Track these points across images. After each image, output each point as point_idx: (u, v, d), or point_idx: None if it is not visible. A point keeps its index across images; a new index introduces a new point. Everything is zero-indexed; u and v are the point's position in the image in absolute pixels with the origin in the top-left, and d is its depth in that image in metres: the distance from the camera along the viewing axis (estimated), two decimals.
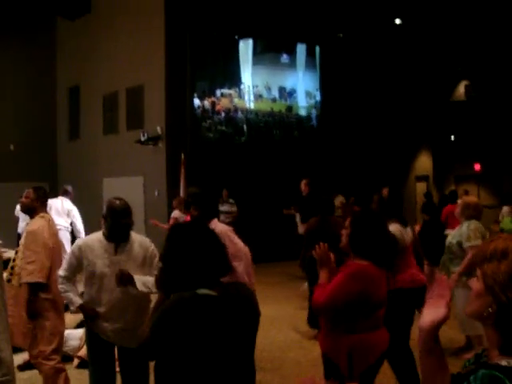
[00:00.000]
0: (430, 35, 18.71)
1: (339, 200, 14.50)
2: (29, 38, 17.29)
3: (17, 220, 13.26)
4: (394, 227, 6.32)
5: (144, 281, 4.20)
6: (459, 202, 6.62)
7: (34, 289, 4.77)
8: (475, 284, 1.57)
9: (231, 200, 14.13)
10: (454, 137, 23.13)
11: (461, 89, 23.19)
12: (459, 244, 6.09)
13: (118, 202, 4.36)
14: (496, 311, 1.47)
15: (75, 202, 11.48)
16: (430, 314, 1.65)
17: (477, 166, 23.00)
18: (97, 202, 13.99)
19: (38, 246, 4.85)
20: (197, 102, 15.58)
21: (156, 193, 14.52)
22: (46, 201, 5.38)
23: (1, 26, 16.51)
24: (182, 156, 12.12)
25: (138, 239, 4.43)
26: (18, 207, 13.51)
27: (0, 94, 16.72)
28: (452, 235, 6.36)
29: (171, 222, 12.40)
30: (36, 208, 5.15)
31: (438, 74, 21.45)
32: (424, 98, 21.16)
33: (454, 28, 18.14)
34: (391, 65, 19.20)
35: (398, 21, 18.10)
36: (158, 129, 14.70)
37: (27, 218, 11.97)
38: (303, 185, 11.44)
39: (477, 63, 21.08)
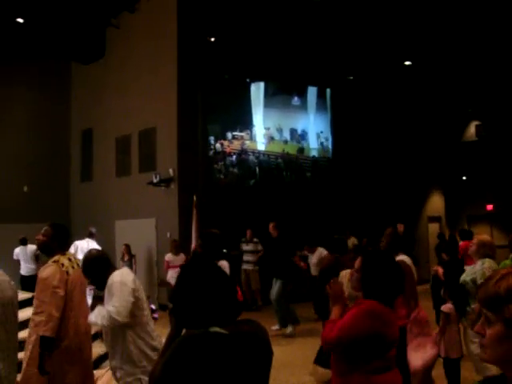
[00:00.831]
0: (439, 76, 18.83)
1: (351, 241, 14.48)
2: (43, 81, 17.58)
3: (17, 263, 13.57)
4: (405, 257, 6.28)
5: (98, 312, 4.26)
6: (474, 240, 6.57)
7: (44, 343, 4.55)
8: (489, 329, 1.46)
9: (255, 239, 14.16)
10: (466, 177, 23.08)
11: (471, 129, 23.23)
12: (473, 282, 6.05)
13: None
14: None
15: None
16: (418, 357, 1.60)
17: (489, 206, 22.89)
18: (109, 244, 14.03)
19: (47, 296, 4.62)
20: (208, 144, 15.70)
21: (168, 234, 14.51)
22: (66, 239, 5.14)
23: (15, 70, 16.83)
24: (194, 198, 12.15)
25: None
26: (17, 250, 13.77)
27: (15, 136, 16.94)
28: (466, 273, 6.32)
29: (165, 264, 12.69)
30: (53, 247, 4.92)
31: (448, 114, 21.52)
32: (435, 138, 21.20)
33: (464, 68, 18.25)
34: (401, 106, 19.30)
35: (407, 62, 18.25)
36: (171, 171, 14.78)
37: (28, 259, 12.27)
38: (271, 228, 11.47)
39: (487, 103, 21.16)
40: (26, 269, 14.00)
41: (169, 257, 13.02)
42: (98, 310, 4.29)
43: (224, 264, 6.24)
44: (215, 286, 2.53)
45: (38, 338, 4.58)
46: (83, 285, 5.06)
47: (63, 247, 5.02)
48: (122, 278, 4.37)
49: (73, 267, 4.90)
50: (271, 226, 11.58)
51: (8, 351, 2.75)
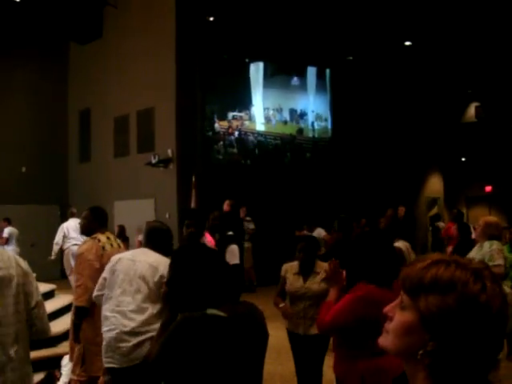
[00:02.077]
0: (439, 57, 18.74)
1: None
2: (41, 62, 17.48)
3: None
4: (401, 244, 6.28)
5: None
6: (480, 221, 6.50)
7: (80, 313, 4.86)
8: (399, 314, 1.31)
9: (248, 217, 14.12)
10: (465, 158, 23.08)
11: (471, 110, 23.19)
12: None
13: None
14: (435, 351, 1.23)
15: None
16: None
17: (488, 188, 22.91)
18: (108, 225, 14.01)
19: (84, 269, 4.91)
20: (207, 124, 15.66)
21: (167, 215, 14.50)
22: (105, 219, 5.37)
23: (14, 51, 16.71)
24: (193, 178, 12.13)
25: None
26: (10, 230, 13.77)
27: (12, 116, 16.86)
28: (472, 255, 6.27)
29: (137, 243, 12.54)
30: (94, 228, 5.19)
31: (448, 95, 21.47)
32: (434, 120, 21.16)
33: (464, 50, 18.17)
34: (401, 87, 19.24)
35: (407, 43, 18.15)
36: (169, 151, 14.74)
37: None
38: (226, 205, 10.99)
39: (486, 85, 21.09)
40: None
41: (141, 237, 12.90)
42: None
43: (234, 248, 6.19)
44: (210, 268, 2.53)
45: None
46: None
47: (102, 227, 5.25)
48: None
49: (111, 245, 5.16)
50: (227, 203, 11.01)
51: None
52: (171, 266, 2.63)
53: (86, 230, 5.29)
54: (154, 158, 14.85)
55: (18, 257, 3.00)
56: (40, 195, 16.49)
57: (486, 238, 6.15)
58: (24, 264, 2.99)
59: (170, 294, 2.62)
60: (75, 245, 12.16)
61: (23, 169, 17.05)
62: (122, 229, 13.55)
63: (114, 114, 16.74)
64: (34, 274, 3.16)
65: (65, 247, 12.53)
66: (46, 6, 15.40)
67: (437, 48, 18.05)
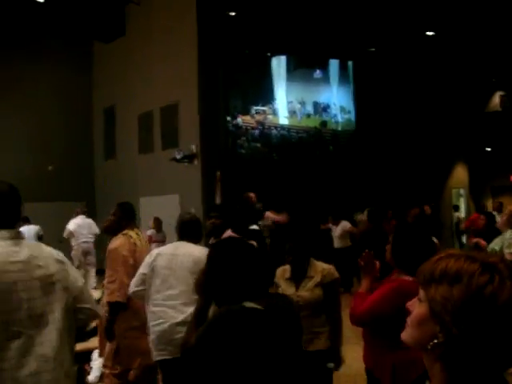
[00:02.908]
0: (462, 46, 18.55)
1: (361, 217, 14.45)
2: (66, 61, 17.66)
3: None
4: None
5: None
6: (505, 211, 6.55)
7: (114, 308, 4.87)
8: (417, 307, 1.35)
9: (258, 205, 13.95)
10: (490, 148, 22.85)
11: (496, 99, 22.94)
12: (501, 251, 6.05)
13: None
14: (444, 343, 1.26)
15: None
16: None
17: None
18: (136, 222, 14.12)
19: (118, 265, 4.93)
20: (231, 119, 15.70)
21: (192, 210, 14.54)
22: (133, 215, 5.41)
23: (38, 51, 16.91)
24: (218, 173, 12.18)
25: None
26: (24, 228, 13.84)
27: (38, 115, 17.06)
28: (495, 243, 6.29)
29: (147, 238, 12.59)
30: (123, 224, 5.20)
31: (472, 85, 21.24)
32: (459, 109, 20.96)
33: (487, 38, 17.96)
34: (424, 77, 19.08)
35: (429, 33, 18.00)
36: (193, 147, 14.81)
37: (31, 238, 12.68)
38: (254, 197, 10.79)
39: (511, 73, 20.84)
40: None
41: (150, 232, 13.24)
42: None
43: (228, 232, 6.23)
44: (248, 261, 2.58)
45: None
46: None
47: (131, 223, 5.28)
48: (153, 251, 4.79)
49: (140, 241, 5.22)
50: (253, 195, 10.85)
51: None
52: (209, 257, 2.69)
53: (115, 226, 5.26)
54: (179, 153, 14.92)
55: (51, 249, 2.97)
56: (66, 192, 16.67)
57: (509, 227, 6.18)
58: (58, 255, 2.93)
59: (206, 286, 2.67)
60: (85, 242, 13.05)
61: (50, 167, 17.25)
62: (158, 221, 13.75)
63: (138, 111, 16.85)
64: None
65: (74, 244, 13.08)
66: (69, 6, 15.54)
67: (460, 37, 17.87)
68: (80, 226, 13.21)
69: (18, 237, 2.78)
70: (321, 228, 13.74)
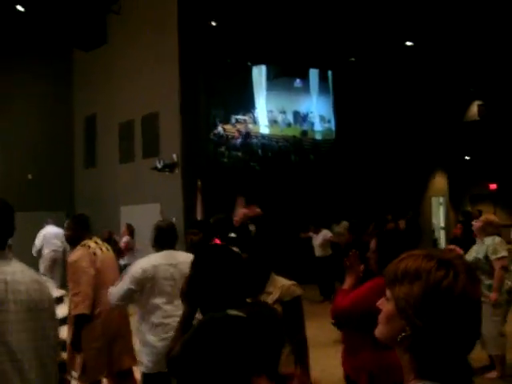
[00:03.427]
0: (440, 56, 18.77)
1: (343, 226, 14.54)
2: (46, 68, 17.60)
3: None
4: None
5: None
6: (481, 218, 6.67)
7: (80, 321, 4.84)
8: (385, 305, 1.48)
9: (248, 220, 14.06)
10: (469, 157, 23.09)
11: (474, 109, 23.21)
12: (486, 258, 6.14)
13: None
14: (411, 335, 1.38)
15: (93, 230, 12.45)
16: None
17: (492, 186, 22.91)
18: (115, 231, 14.09)
19: (80, 277, 4.92)
20: (212, 128, 15.74)
21: (173, 219, 14.53)
22: (88, 227, 5.38)
23: (18, 59, 16.85)
24: (199, 182, 12.21)
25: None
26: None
27: (19, 125, 16.98)
28: (475, 251, 6.38)
29: (123, 245, 12.74)
30: (80, 235, 5.20)
31: (450, 94, 21.48)
32: (437, 119, 21.17)
33: (465, 48, 18.21)
34: (403, 87, 19.27)
35: (408, 43, 18.21)
36: (174, 156, 14.82)
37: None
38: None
39: (489, 83, 21.11)
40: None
41: (126, 238, 13.12)
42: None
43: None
44: (232, 269, 2.60)
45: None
46: (115, 268, 5.49)
47: (88, 233, 5.29)
48: (141, 263, 4.67)
49: (101, 250, 5.21)
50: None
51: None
52: (193, 265, 2.70)
53: (73, 238, 5.30)
54: (159, 162, 14.92)
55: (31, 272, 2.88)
56: (46, 202, 16.58)
57: (485, 234, 6.30)
58: (38, 277, 2.84)
59: (190, 293, 2.69)
60: (54, 251, 13.45)
61: (29, 176, 17.16)
62: (131, 228, 13.55)
63: (118, 119, 16.84)
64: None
65: (44, 252, 13.46)
66: (50, 15, 15.51)
67: (438, 47, 18.10)
68: (49, 235, 13.61)
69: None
70: (301, 237, 13.80)
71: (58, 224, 14.24)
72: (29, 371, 2.60)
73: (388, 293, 1.48)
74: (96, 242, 5.24)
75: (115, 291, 4.58)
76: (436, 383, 1.37)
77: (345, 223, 14.75)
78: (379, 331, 1.50)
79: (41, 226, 14.09)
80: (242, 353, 2.35)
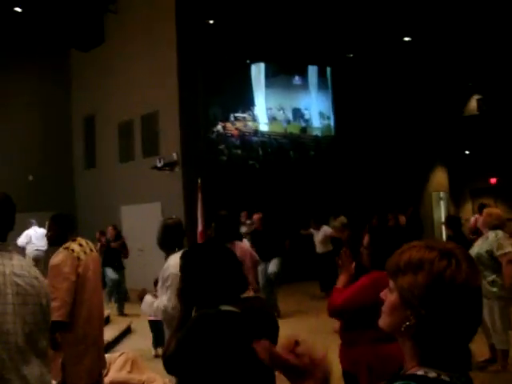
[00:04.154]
0: (439, 51, 18.77)
1: (340, 220, 14.56)
2: (43, 69, 17.60)
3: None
4: None
5: (150, 302, 4.25)
6: (484, 212, 6.66)
7: (56, 327, 4.52)
8: (388, 296, 1.52)
9: (249, 221, 14.14)
10: (469, 151, 23.09)
11: (473, 103, 23.21)
12: (489, 254, 6.13)
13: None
14: (415, 324, 1.42)
15: (94, 231, 13.02)
16: None
17: (492, 180, 22.92)
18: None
19: (59, 282, 4.66)
20: (211, 126, 15.75)
21: (173, 217, 14.54)
22: (72, 226, 5.14)
23: (16, 59, 16.83)
24: (199, 181, 12.19)
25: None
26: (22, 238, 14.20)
27: (18, 126, 16.97)
28: (479, 247, 6.37)
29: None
30: (61, 237, 4.90)
31: (449, 89, 21.49)
32: (436, 113, 21.18)
33: (463, 43, 18.20)
34: (402, 82, 19.28)
35: (406, 38, 18.20)
36: (174, 155, 14.82)
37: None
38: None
39: (487, 77, 21.11)
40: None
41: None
42: (147, 299, 4.29)
43: (243, 244, 6.20)
44: (224, 265, 2.61)
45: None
46: (97, 269, 5.12)
47: (71, 234, 4.99)
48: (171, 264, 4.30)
49: (85, 252, 4.92)
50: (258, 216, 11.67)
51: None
52: (184, 263, 2.71)
53: (54, 239, 5.00)
54: (159, 161, 14.93)
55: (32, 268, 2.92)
56: (47, 203, 16.55)
57: (488, 228, 6.28)
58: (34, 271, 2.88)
59: (184, 291, 2.70)
60: (36, 250, 14.04)
61: (30, 177, 17.18)
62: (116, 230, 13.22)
63: (117, 119, 16.85)
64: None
65: (28, 251, 13.95)
66: (47, 15, 15.51)
67: (436, 42, 18.09)
68: (32, 236, 14.11)
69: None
70: (302, 234, 13.80)
71: None
72: (25, 363, 2.65)
73: (391, 284, 1.51)
74: (80, 245, 4.94)
75: (163, 304, 4.21)
76: (438, 370, 1.41)
77: (342, 218, 14.78)
78: (383, 321, 1.53)
79: (41, 227, 14.16)
80: (237, 347, 2.36)
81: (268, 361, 1.62)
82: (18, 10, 15.11)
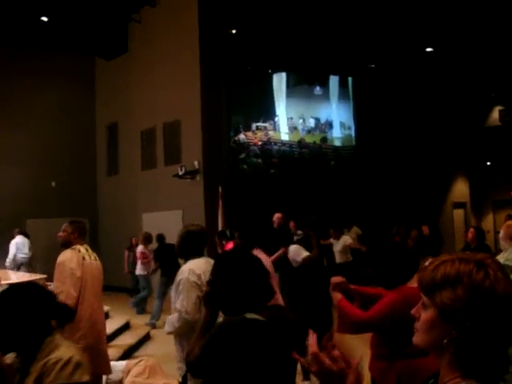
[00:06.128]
0: (461, 62, 18.68)
1: (354, 231, 14.51)
2: (69, 78, 17.83)
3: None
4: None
5: (169, 320, 4.20)
6: (503, 225, 6.58)
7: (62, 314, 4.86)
8: (423, 313, 1.50)
9: (299, 231, 13.87)
10: (490, 162, 22.92)
11: (495, 114, 23.03)
12: (510, 269, 6.08)
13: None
14: (457, 338, 1.41)
15: (115, 237, 13.03)
16: None
17: None
18: (136, 237, 14.22)
19: (65, 277, 5.07)
20: (232, 135, 15.85)
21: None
22: (84, 233, 5.57)
23: (43, 67, 17.10)
24: (220, 189, 12.26)
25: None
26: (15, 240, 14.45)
27: (41, 132, 17.21)
28: (504, 258, 6.31)
29: (138, 255, 12.65)
30: (72, 241, 5.38)
31: (471, 100, 21.36)
32: (458, 124, 21.06)
33: (486, 53, 18.10)
34: (424, 93, 19.22)
35: (428, 49, 18.15)
36: (196, 163, 14.92)
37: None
38: (277, 219, 11.06)
39: (510, 88, 20.96)
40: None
41: (141, 248, 12.84)
42: (168, 319, 4.23)
43: (262, 253, 6.19)
44: (254, 273, 2.66)
45: None
46: (99, 276, 5.55)
47: (80, 240, 5.47)
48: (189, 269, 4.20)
49: (89, 256, 5.41)
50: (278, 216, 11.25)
51: None
52: (215, 269, 2.76)
53: (66, 241, 5.43)
54: (181, 169, 15.03)
55: None
56: (70, 209, 16.74)
57: (510, 239, 6.23)
58: None
59: (212, 297, 2.75)
60: (23, 257, 14.24)
61: (53, 183, 17.39)
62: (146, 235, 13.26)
63: (140, 127, 16.99)
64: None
65: (17, 258, 14.12)
66: (72, 24, 15.74)
67: (458, 53, 18.01)
68: (20, 244, 14.24)
69: None
70: (321, 243, 13.78)
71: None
72: None
73: (426, 300, 1.51)
74: (86, 249, 5.42)
75: (177, 315, 4.14)
76: (479, 381, 1.43)
77: (356, 229, 14.74)
78: (420, 338, 1.52)
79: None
80: (261, 355, 2.41)
81: (311, 363, 1.62)
82: (45, 19, 15.33)
